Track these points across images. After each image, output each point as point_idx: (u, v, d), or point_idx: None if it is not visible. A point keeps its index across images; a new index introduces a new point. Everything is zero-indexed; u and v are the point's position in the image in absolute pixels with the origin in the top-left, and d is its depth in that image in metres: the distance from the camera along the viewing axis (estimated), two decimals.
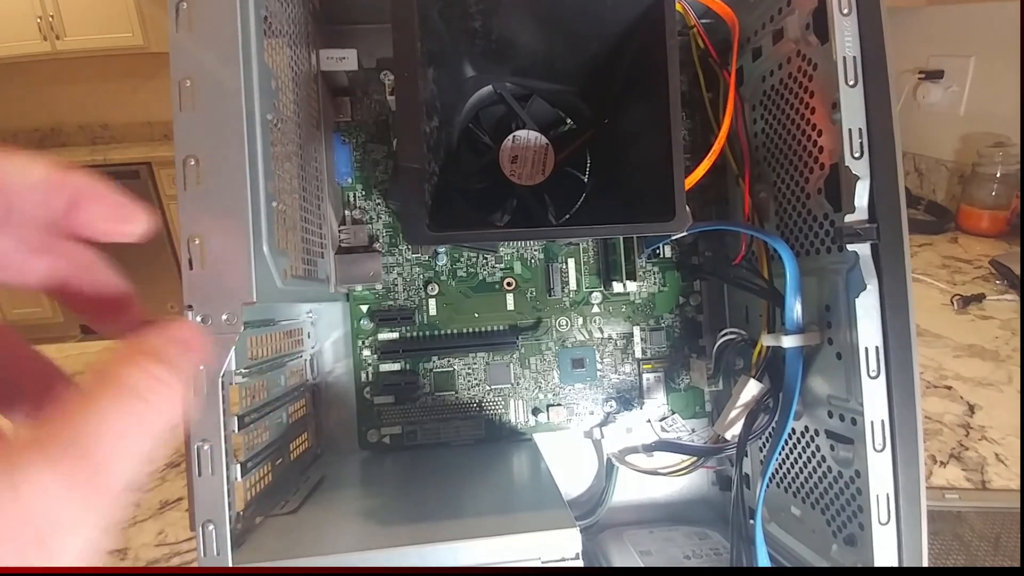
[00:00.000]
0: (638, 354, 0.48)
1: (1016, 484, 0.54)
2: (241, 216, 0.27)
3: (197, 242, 0.27)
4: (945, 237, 1.19)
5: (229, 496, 0.28)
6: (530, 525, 0.30)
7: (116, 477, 0.15)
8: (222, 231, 0.27)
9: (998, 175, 1.13)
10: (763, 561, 0.35)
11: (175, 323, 0.20)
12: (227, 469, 0.27)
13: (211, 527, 0.27)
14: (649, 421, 0.47)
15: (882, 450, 0.31)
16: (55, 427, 0.15)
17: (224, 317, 0.27)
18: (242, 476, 0.32)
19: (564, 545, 0.29)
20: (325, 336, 0.46)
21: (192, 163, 0.27)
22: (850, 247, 0.31)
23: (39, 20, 2.29)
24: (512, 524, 0.30)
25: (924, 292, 0.94)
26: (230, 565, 0.27)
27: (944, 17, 1.22)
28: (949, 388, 0.71)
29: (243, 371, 0.33)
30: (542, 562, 0.29)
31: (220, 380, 0.27)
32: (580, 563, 0.29)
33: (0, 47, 2.33)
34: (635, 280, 0.45)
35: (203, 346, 0.21)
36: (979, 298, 0.90)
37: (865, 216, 0.31)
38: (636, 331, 0.48)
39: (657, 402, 0.48)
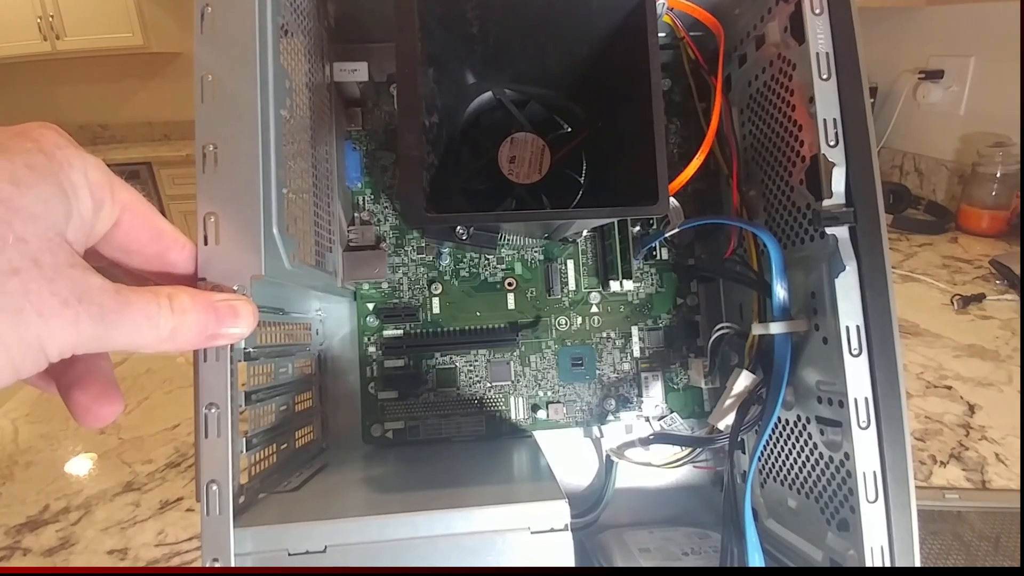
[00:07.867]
0: (636, 353, 0.49)
1: (1016, 484, 0.54)
2: (253, 196, 0.30)
3: (212, 220, 0.29)
4: (945, 237, 1.19)
5: (233, 461, 0.29)
6: (521, 497, 0.31)
7: (121, 330, 0.22)
8: (235, 209, 0.29)
9: (998, 175, 1.14)
10: (753, 550, 0.35)
11: (243, 299, 0.28)
12: (232, 434, 0.29)
13: (215, 487, 0.28)
14: (648, 419, 0.48)
15: (867, 427, 0.32)
16: (127, 295, 0.23)
17: (235, 289, 0.29)
18: (247, 450, 0.34)
19: (552, 515, 0.30)
20: (333, 333, 0.48)
21: (211, 148, 0.30)
22: (829, 231, 0.33)
23: (39, 20, 2.31)
24: (503, 495, 0.31)
25: (924, 292, 0.93)
26: (231, 526, 0.28)
27: (944, 17, 1.24)
28: (949, 388, 0.70)
29: (251, 350, 0.34)
30: (532, 531, 0.30)
31: (230, 352, 0.29)
32: (568, 534, 0.30)
33: (0, 47, 2.36)
34: (631, 279, 0.47)
35: (245, 323, 0.27)
36: (979, 298, 0.89)
37: (842, 201, 0.33)
38: (634, 331, 0.49)
39: (655, 401, 0.48)
